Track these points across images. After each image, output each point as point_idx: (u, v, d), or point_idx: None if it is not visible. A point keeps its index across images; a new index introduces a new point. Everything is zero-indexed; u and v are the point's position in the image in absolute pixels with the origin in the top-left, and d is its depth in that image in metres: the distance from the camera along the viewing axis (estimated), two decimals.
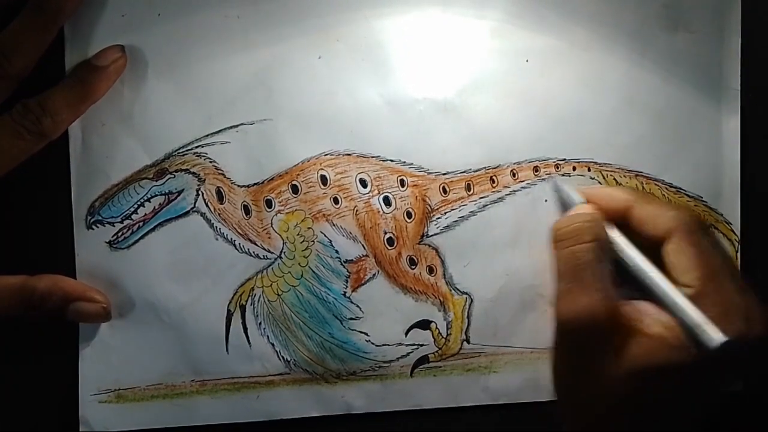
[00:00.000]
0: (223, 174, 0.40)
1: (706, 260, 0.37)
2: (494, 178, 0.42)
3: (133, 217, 0.39)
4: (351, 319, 0.41)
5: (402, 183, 0.41)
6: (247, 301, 0.40)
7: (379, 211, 0.41)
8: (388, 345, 0.42)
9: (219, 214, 0.40)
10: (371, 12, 0.41)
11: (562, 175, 0.43)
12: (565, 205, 0.42)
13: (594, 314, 0.35)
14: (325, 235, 0.41)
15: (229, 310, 0.40)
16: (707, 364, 0.35)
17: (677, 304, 0.35)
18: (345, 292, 0.41)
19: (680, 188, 0.44)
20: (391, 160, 0.41)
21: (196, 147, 0.40)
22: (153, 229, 0.39)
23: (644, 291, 0.37)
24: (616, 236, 0.39)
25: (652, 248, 0.38)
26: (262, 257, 0.40)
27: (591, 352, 0.36)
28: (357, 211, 0.41)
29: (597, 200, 0.40)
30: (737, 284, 0.36)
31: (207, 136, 0.40)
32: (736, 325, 0.35)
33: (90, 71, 0.37)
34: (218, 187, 0.40)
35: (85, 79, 0.37)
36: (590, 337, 0.36)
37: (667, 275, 0.37)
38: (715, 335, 0.34)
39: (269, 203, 0.40)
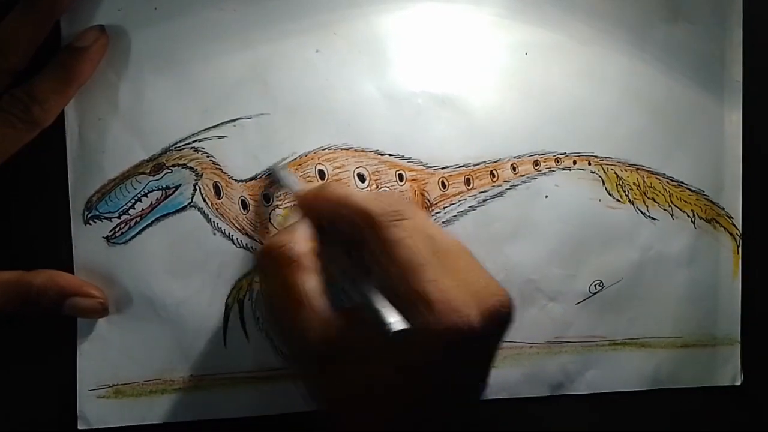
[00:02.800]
0: (220, 169, 0.40)
1: (402, 253, 0.34)
2: (494, 172, 0.42)
3: (131, 212, 0.39)
4: None
5: (400, 177, 0.41)
6: (245, 296, 0.40)
7: None
8: None
9: (216, 209, 0.40)
10: (369, 5, 0.41)
11: (563, 169, 0.42)
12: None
13: (306, 349, 0.34)
14: None
15: (227, 305, 0.40)
16: (419, 355, 0.33)
17: (368, 302, 0.33)
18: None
19: (681, 182, 0.44)
20: (390, 155, 0.41)
21: (193, 141, 0.39)
22: (150, 224, 0.39)
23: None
24: (325, 239, 0.37)
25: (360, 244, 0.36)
26: None
27: (317, 374, 0.35)
28: None
29: (306, 202, 0.38)
30: (448, 271, 0.34)
31: (204, 130, 0.39)
32: (440, 314, 0.32)
33: (72, 54, 0.37)
34: (216, 181, 0.40)
35: (68, 63, 0.37)
36: (311, 363, 0.34)
37: (371, 273, 0.35)
38: (394, 323, 0.32)
39: (267, 198, 0.40)
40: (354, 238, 0.36)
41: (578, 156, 0.43)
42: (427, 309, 0.32)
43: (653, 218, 0.44)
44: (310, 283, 0.34)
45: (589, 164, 0.43)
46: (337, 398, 0.35)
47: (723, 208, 0.45)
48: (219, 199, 0.40)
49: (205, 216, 0.40)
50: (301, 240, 0.36)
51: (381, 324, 0.32)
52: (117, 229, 0.39)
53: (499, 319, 0.34)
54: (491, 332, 0.34)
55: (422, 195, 0.42)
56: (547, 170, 0.43)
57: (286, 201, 0.40)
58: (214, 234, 0.40)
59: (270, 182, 0.40)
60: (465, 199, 0.42)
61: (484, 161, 0.42)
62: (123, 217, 0.39)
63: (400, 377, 0.33)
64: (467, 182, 0.42)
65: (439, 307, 0.32)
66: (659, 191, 0.44)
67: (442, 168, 0.42)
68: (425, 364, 0.33)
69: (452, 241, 0.36)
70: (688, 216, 0.44)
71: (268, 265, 0.35)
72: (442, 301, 0.32)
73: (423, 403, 0.34)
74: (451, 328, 0.32)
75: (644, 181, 0.44)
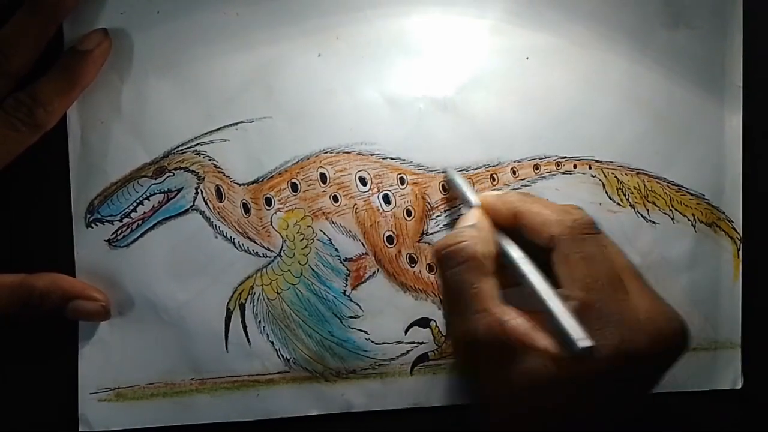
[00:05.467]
0: (222, 172, 0.40)
1: (588, 269, 0.34)
2: (494, 176, 0.42)
3: (132, 215, 0.39)
4: (351, 317, 0.41)
5: (402, 181, 0.41)
6: (246, 299, 0.40)
7: (378, 209, 0.41)
8: (388, 343, 0.41)
9: (218, 213, 0.40)
10: (371, 9, 0.41)
11: (563, 173, 0.43)
12: (462, 200, 0.40)
13: (474, 337, 0.34)
14: (324, 234, 0.41)
15: (228, 309, 0.40)
16: (587, 373, 0.33)
17: (552, 313, 0.33)
18: (345, 291, 0.41)
19: (682, 186, 0.44)
20: (391, 158, 0.41)
21: (196, 145, 0.40)
22: (152, 228, 0.39)
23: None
24: (507, 244, 0.37)
25: (546, 254, 0.36)
26: (261, 255, 0.40)
27: (480, 370, 0.35)
28: (357, 209, 0.41)
29: (489, 206, 0.38)
30: (625, 292, 0.34)
31: (206, 134, 0.40)
32: (613, 335, 0.33)
33: (75, 57, 0.37)
34: (217, 185, 0.40)
35: (71, 66, 0.37)
36: (476, 357, 0.35)
37: (556, 284, 0.35)
38: (579, 341, 0.32)
39: (269, 201, 0.40)
40: (539, 247, 0.36)
41: (579, 160, 0.43)
42: (618, 329, 0.33)
43: (654, 222, 0.44)
44: (486, 283, 0.35)
45: (590, 168, 0.43)
46: (494, 397, 0.35)
47: (723, 212, 0.45)
48: (221, 202, 0.40)
49: (207, 219, 0.40)
50: (480, 240, 0.36)
51: (565, 336, 0.32)
52: (119, 232, 0.39)
53: (675, 345, 0.35)
54: (665, 359, 0.35)
55: (423, 198, 0.42)
56: (548, 174, 0.43)
57: (287, 205, 0.40)
58: (216, 237, 0.40)
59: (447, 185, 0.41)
60: None
61: (485, 165, 0.42)
62: (125, 221, 0.39)
63: (565, 389, 0.33)
64: None
65: (631, 326, 0.33)
66: (660, 195, 0.44)
67: (443, 172, 0.42)
68: (595, 382, 0.33)
69: (630, 262, 0.36)
70: (689, 220, 0.44)
71: (444, 259, 0.36)
72: (632, 321, 0.33)
73: (579, 417, 0.34)
74: (638, 350, 0.33)
75: (645, 185, 0.44)
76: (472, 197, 0.39)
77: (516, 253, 0.36)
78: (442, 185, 0.42)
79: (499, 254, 0.36)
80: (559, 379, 0.33)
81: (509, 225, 0.37)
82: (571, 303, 0.33)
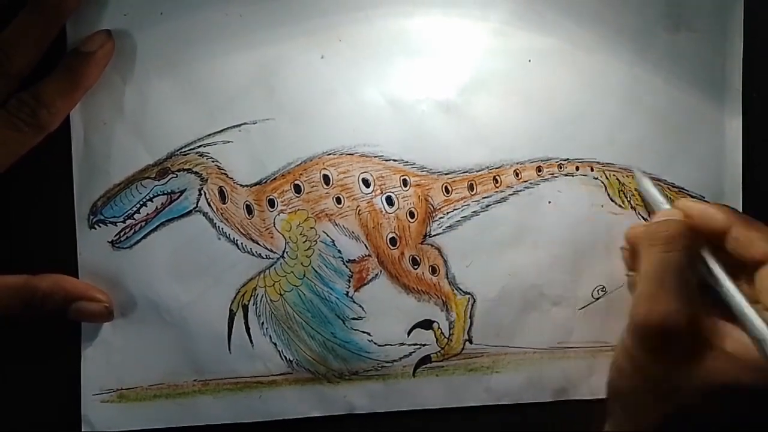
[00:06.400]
0: (225, 173, 0.40)
1: None
2: (497, 177, 0.42)
3: (136, 216, 0.39)
4: (353, 318, 0.41)
5: (405, 183, 0.41)
6: (249, 300, 0.40)
7: (381, 211, 0.41)
8: (391, 345, 0.41)
9: (221, 214, 0.40)
10: (374, 11, 0.41)
11: (566, 175, 0.43)
12: (649, 204, 0.42)
13: (675, 321, 0.35)
14: (327, 235, 0.41)
15: (231, 310, 0.40)
16: None
17: (756, 326, 0.35)
18: (347, 292, 0.41)
19: (682, 188, 0.44)
20: (394, 160, 0.41)
21: (199, 146, 0.40)
22: (155, 229, 0.39)
23: (727, 310, 0.37)
24: (706, 252, 0.39)
25: (742, 270, 0.38)
26: (264, 257, 0.40)
27: (663, 358, 0.36)
28: (360, 210, 0.41)
29: (693, 214, 0.39)
30: None
31: (209, 135, 0.40)
32: None
33: (78, 58, 0.37)
34: (221, 186, 0.40)
35: (74, 67, 0.37)
36: (666, 343, 0.35)
37: (757, 298, 0.37)
38: None
39: (272, 203, 0.40)
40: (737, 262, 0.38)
41: (581, 162, 0.43)
42: None
43: None
44: (694, 276, 0.37)
45: (592, 170, 0.43)
46: (647, 387, 0.36)
47: None
48: (224, 204, 0.40)
49: (210, 221, 0.40)
50: (692, 236, 0.38)
51: (761, 343, 0.34)
52: (122, 233, 0.39)
53: None
54: None
55: (426, 200, 0.42)
56: (550, 176, 0.43)
57: (290, 206, 0.40)
58: (219, 239, 0.40)
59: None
60: (468, 205, 0.42)
61: (487, 167, 0.42)
62: (128, 222, 0.39)
63: (746, 398, 0.34)
64: (470, 188, 0.42)
65: None
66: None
67: (446, 173, 0.42)
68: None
69: None
70: None
71: (666, 238, 0.37)
72: None
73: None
74: None
75: None
76: (660, 198, 0.41)
77: (714, 262, 0.38)
78: (445, 187, 0.42)
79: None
80: (745, 385, 0.34)
81: (708, 236, 0.39)
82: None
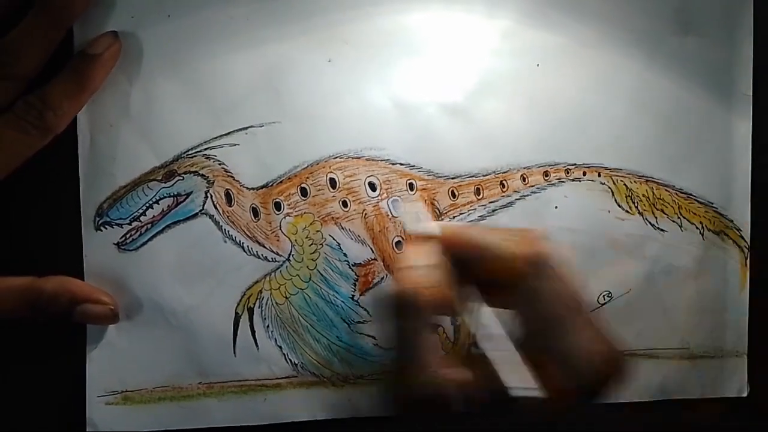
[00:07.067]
0: (231, 176, 0.40)
1: (542, 305, 0.34)
2: (504, 182, 0.42)
3: (142, 218, 0.39)
4: (359, 322, 0.41)
5: (411, 186, 0.41)
6: (255, 303, 0.40)
7: (387, 215, 0.41)
8: None
9: (227, 217, 0.40)
10: (379, 14, 0.41)
11: (573, 180, 0.43)
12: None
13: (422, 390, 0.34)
14: (333, 238, 0.41)
15: (236, 313, 0.40)
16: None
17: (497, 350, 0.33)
18: (353, 296, 0.41)
19: (691, 194, 0.44)
20: (401, 164, 0.41)
21: (205, 149, 0.39)
22: (161, 231, 0.39)
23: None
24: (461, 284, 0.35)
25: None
26: (270, 260, 0.40)
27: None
28: (366, 214, 0.41)
29: (449, 237, 0.36)
30: (572, 329, 0.33)
31: (216, 138, 0.39)
32: (557, 372, 0.33)
33: (85, 60, 0.37)
34: (227, 189, 0.40)
35: (81, 69, 0.37)
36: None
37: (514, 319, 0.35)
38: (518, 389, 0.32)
39: (278, 206, 0.40)
40: (495, 284, 0.35)
41: (588, 167, 0.43)
42: (566, 370, 0.33)
43: (662, 230, 0.44)
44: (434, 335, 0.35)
45: (599, 175, 0.43)
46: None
47: (731, 221, 0.45)
48: (230, 206, 0.40)
49: (216, 223, 0.40)
50: (439, 285, 0.34)
51: (500, 386, 0.32)
52: (128, 235, 0.39)
53: (612, 383, 0.34)
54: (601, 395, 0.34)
55: (432, 204, 0.42)
56: (557, 181, 0.43)
57: (296, 210, 0.40)
58: (225, 241, 0.40)
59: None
60: (475, 209, 0.42)
61: (494, 171, 0.42)
62: (134, 224, 0.39)
63: None
64: (477, 192, 0.42)
65: (577, 366, 0.33)
66: (668, 203, 0.44)
67: (453, 178, 0.42)
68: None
69: (580, 297, 0.35)
70: (697, 228, 0.44)
71: (404, 308, 0.34)
72: (579, 360, 0.33)
73: None
74: (577, 391, 0.33)
75: (653, 193, 0.44)
76: (430, 227, 0.37)
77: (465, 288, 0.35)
78: (452, 191, 0.42)
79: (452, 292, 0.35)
80: None
81: (466, 257, 0.35)
82: (518, 340, 0.34)
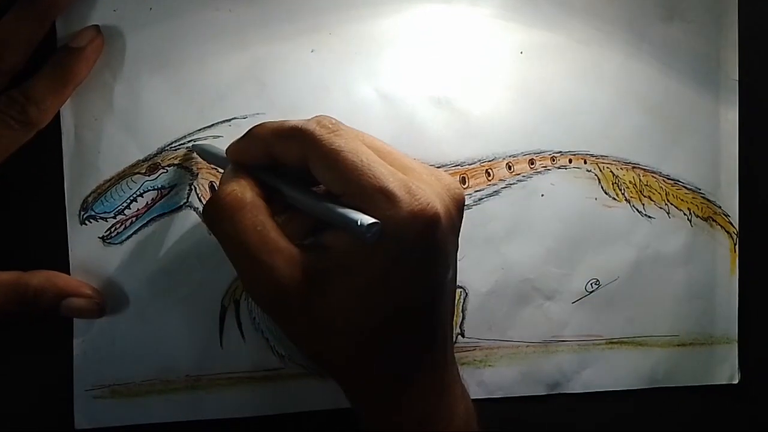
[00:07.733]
0: (215, 168, 0.40)
1: (341, 163, 0.32)
2: (490, 171, 0.42)
3: (126, 212, 0.39)
4: None
5: None
6: (241, 295, 0.40)
7: None
8: None
9: None
10: (364, 5, 0.41)
11: (559, 168, 0.43)
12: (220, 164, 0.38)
13: (279, 291, 0.33)
14: None
15: (223, 305, 0.40)
16: (383, 254, 0.32)
17: (331, 212, 0.33)
18: None
19: (678, 180, 0.44)
20: None
21: (189, 141, 0.39)
22: (146, 224, 0.39)
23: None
24: (269, 179, 0.35)
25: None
26: None
27: (293, 315, 0.34)
28: None
29: (239, 153, 0.36)
30: (379, 171, 0.32)
31: (200, 130, 0.39)
32: (379, 208, 0.32)
33: (68, 54, 0.37)
34: (211, 181, 0.40)
35: (64, 63, 0.37)
36: (282, 295, 0.33)
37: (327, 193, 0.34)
38: (364, 221, 0.31)
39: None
40: (297, 165, 0.34)
41: (574, 155, 0.43)
42: (391, 200, 0.32)
43: (650, 217, 0.44)
44: (268, 223, 0.34)
45: (585, 163, 0.43)
46: (321, 336, 0.34)
47: (719, 207, 0.45)
48: None
49: (201, 216, 0.40)
50: (246, 185, 0.34)
51: (352, 227, 0.31)
52: (113, 229, 0.39)
53: (460, 204, 0.34)
54: (456, 218, 0.34)
55: None
56: (543, 169, 0.43)
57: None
58: (210, 234, 0.40)
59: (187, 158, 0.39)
60: None
61: (480, 160, 0.42)
62: (119, 217, 0.39)
63: (380, 284, 0.32)
64: (463, 181, 0.42)
65: (402, 196, 0.32)
66: (656, 190, 0.44)
67: (438, 167, 0.42)
68: (403, 261, 0.32)
69: (389, 146, 0.35)
70: (685, 214, 0.44)
71: (220, 214, 0.34)
72: (403, 190, 0.32)
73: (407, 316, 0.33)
74: (418, 216, 0.32)
75: (640, 180, 0.44)
76: (222, 155, 0.37)
77: (282, 183, 0.35)
78: None
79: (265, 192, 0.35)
80: (368, 272, 0.32)
81: (262, 157, 0.35)
82: (344, 198, 0.33)
